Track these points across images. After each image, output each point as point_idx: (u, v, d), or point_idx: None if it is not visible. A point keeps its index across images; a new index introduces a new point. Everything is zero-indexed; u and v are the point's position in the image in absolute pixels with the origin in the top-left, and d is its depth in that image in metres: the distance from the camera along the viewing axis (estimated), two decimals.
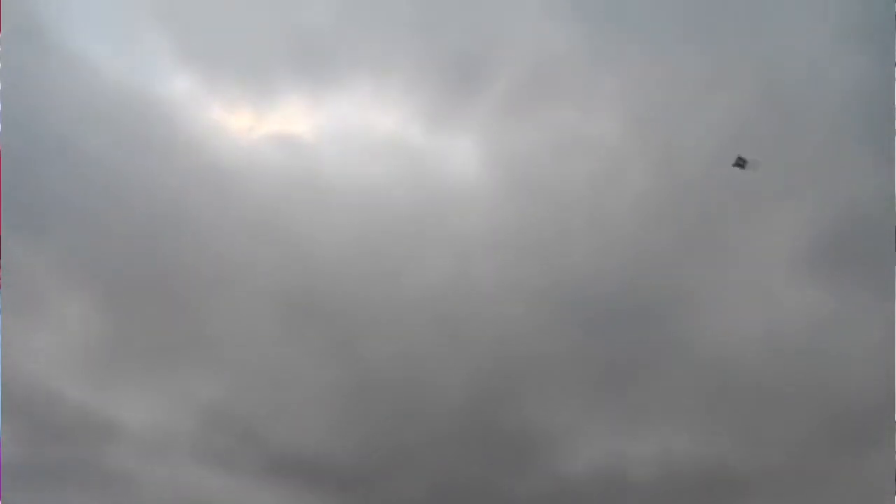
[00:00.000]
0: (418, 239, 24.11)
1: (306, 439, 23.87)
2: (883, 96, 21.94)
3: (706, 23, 22.95)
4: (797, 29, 22.95)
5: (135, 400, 23.20)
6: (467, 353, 23.52)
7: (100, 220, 23.69)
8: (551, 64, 23.60)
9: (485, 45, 23.89)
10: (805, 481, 22.79)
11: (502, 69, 23.81)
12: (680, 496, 23.30)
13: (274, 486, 23.90)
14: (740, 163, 11.68)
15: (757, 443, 22.56)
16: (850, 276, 22.44)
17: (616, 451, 23.26)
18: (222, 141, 24.43)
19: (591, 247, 22.92)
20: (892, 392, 20.93)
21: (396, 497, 24.12)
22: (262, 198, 24.09)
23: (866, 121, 22.41)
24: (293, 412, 24.00)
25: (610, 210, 23.00)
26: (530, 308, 23.28)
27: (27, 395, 23.35)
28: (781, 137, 22.64)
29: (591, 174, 23.17)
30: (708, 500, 23.03)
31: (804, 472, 22.67)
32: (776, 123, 22.69)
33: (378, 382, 23.94)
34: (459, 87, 23.94)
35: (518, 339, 23.29)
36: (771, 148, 22.52)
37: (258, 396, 23.98)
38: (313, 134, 24.63)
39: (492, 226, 23.57)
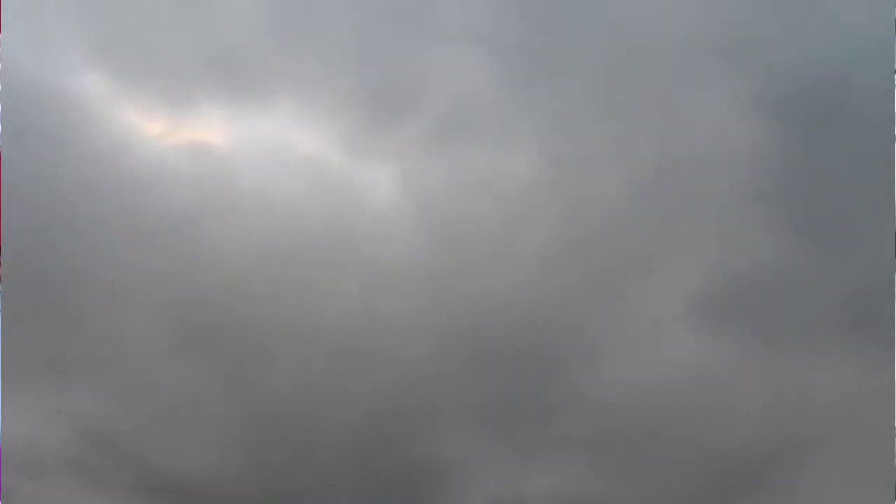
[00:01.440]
0: (328, 265, 22.88)
1: (190, 465, 22.34)
2: (776, 162, 22.58)
3: (624, 79, 23.27)
4: (703, 93, 23.39)
5: (8, 414, 20.74)
6: (368, 389, 22.71)
7: None
8: (474, 102, 23.43)
9: (411, 76, 23.44)
10: None
11: (426, 102, 23.36)
12: None
13: None
14: None
15: (646, 486, 22.95)
16: (741, 329, 22.89)
17: (512, 487, 23.11)
18: (132, 145, 22.81)
19: (497, 286, 22.83)
20: (776, 443, 22.25)
21: None
22: (169, 207, 22.65)
23: (759, 184, 22.90)
24: (180, 436, 22.41)
25: (518, 251, 23.09)
26: (434, 344, 22.85)
27: None
28: (683, 193, 23.11)
29: (502, 214, 23.31)
30: None
31: None
32: (679, 180, 23.11)
33: (273, 412, 22.41)
34: (383, 115, 23.42)
35: (421, 375, 22.78)
36: (672, 203, 23.11)
37: (143, 417, 22.18)
38: (230, 146, 23.39)
39: (402, 258, 23.03)
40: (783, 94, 23.62)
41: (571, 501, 23.43)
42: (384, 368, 22.63)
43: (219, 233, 22.79)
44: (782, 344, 22.83)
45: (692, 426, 23.46)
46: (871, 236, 22.78)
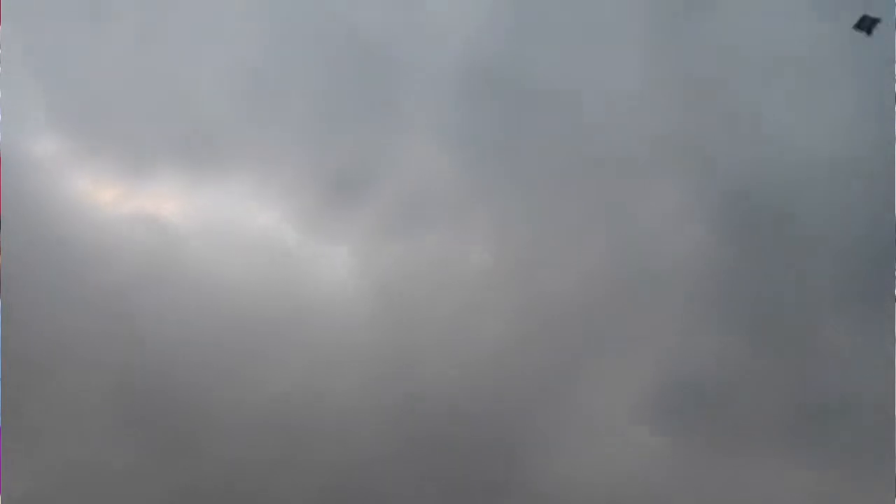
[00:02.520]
0: (275, 343, 22.46)
1: None
2: (723, 265, 23.00)
3: (577, 177, 23.48)
4: (655, 195, 23.71)
5: None
6: (313, 467, 22.21)
7: None
8: (431, 189, 23.53)
9: (370, 161, 23.48)
10: None
11: (384, 187, 23.43)
12: None
13: None
14: (866, 24, 10.60)
15: None
16: (688, 430, 22.91)
17: None
18: (82, 211, 22.39)
19: (448, 373, 22.76)
20: None
21: None
22: (115, 275, 22.02)
23: (708, 286, 23.21)
24: None
25: (469, 341, 23.03)
26: (382, 426, 22.60)
27: None
28: (633, 290, 23.38)
29: (455, 302, 23.28)
30: None
31: None
32: (630, 276, 23.39)
33: (214, 488, 21.58)
34: (339, 197, 23.42)
35: (367, 458, 22.39)
36: (623, 299, 23.30)
37: (72, 493, 21.10)
38: (183, 219, 23.08)
39: (351, 340, 22.86)
40: (730, 199, 24.12)
41: None
42: (330, 449, 22.02)
43: (165, 307, 22.19)
44: (730, 446, 22.68)
45: None
46: (819, 341, 23.06)
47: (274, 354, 22.28)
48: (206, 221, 22.74)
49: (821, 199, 23.03)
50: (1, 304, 19.95)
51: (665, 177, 24.41)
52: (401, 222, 23.47)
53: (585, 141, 24.01)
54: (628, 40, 24.54)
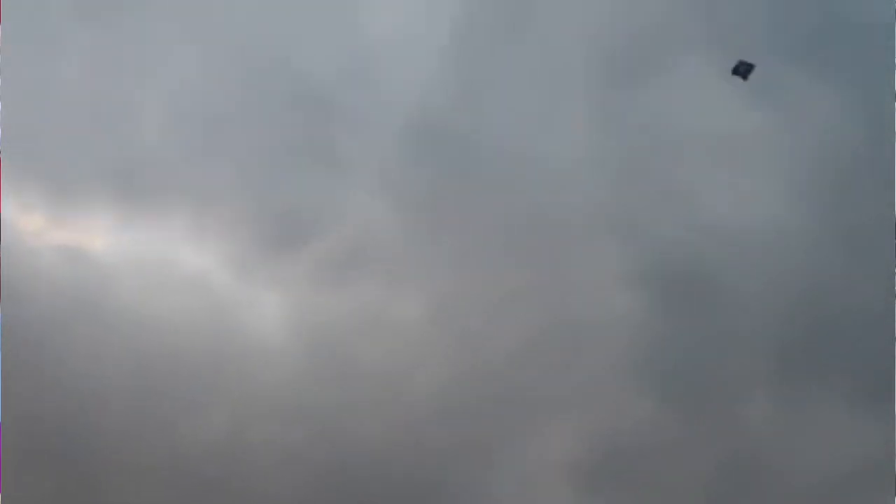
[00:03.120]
0: (202, 389, 21.75)
1: None
2: (652, 332, 23.18)
3: (516, 239, 23.61)
4: (588, 263, 23.88)
5: None
6: None
7: None
8: (369, 239, 23.38)
9: (308, 207, 23.26)
10: None
11: (321, 235, 23.19)
12: None
13: None
14: (742, 69, 10.88)
15: None
16: (613, 493, 22.98)
17: None
18: (5, 238, 20.57)
19: (375, 427, 22.47)
20: None
21: None
22: (37, 309, 21.22)
23: (636, 352, 23.35)
24: None
25: (400, 394, 22.89)
26: (306, 478, 22.04)
27: None
28: (563, 356, 23.29)
29: (388, 355, 23.15)
30: None
31: None
32: (561, 342, 23.38)
33: None
34: (276, 242, 23.10)
35: None
36: (553, 365, 23.24)
37: None
38: (111, 254, 22.33)
39: (281, 390, 22.35)
40: (661, 266, 24.41)
41: None
42: (251, 499, 21.31)
43: (84, 345, 21.25)
44: None
45: None
46: (743, 405, 23.25)
47: (199, 401, 21.57)
48: (137, 258, 22.01)
49: (749, 270, 23.49)
50: None
51: (599, 242, 24.67)
52: (336, 272, 23.12)
53: (524, 200, 24.13)
54: (572, 109, 24.84)
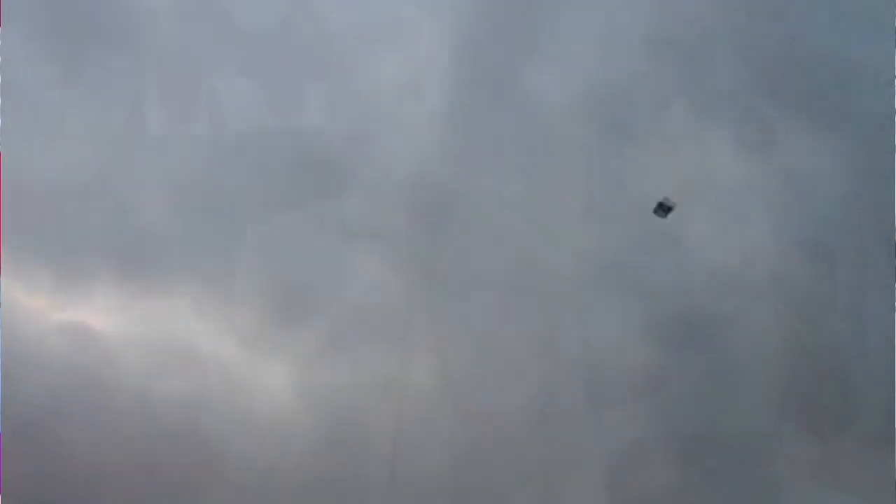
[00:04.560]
0: (206, 467, 21.47)
1: None
2: (655, 383, 21.65)
3: (526, 298, 23.36)
4: (597, 317, 23.13)
5: None
6: None
7: None
8: (377, 309, 23.22)
9: (317, 277, 23.14)
10: None
11: (328, 304, 23.08)
12: None
13: None
14: (663, 208, 10.85)
15: None
16: None
17: None
18: (9, 318, 21.34)
19: (388, 498, 22.03)
20: None
21: None
22: (38, 389, 21.13)
23: (647, 403, 21.90)
24: None
25: (411, 462, 22.63)
26: None
27: None
28: (576, 418, 22.61)
29: (398, 423, 22.83)
30: None
31: None
32: (572, 403, 22.76)
33: None
34: (284, 313, 22.96)
35: None
36: (566, 422, 22.63)
37: None
38: (116, 333, 22.18)
39: (291, 462, 22.12)
40: (668, 320, 23.99)
41: None
42: None
43: (86, 431, 21.07)
44: None
45: None
46: (752, 463, 22.66)
47: (202, 481, 21.16)
48: (141, 337, 21.77)
49: (754, 322, 22.96)
50: None
51: (606, 297, 24.35)
52: (342, 341, 22.74)
53: (534, 260, 23.94)
54: (574, 165, 24.75)
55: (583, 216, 24.18)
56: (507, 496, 22.23)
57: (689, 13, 23.32)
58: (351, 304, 23.05)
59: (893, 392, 15.89)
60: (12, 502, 19.60)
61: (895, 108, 11.28)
